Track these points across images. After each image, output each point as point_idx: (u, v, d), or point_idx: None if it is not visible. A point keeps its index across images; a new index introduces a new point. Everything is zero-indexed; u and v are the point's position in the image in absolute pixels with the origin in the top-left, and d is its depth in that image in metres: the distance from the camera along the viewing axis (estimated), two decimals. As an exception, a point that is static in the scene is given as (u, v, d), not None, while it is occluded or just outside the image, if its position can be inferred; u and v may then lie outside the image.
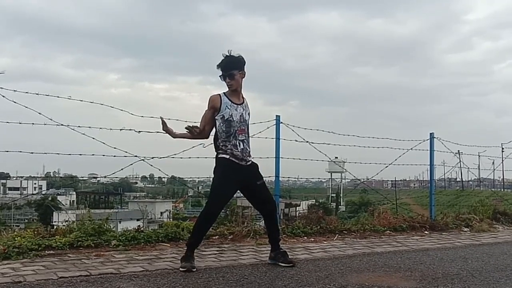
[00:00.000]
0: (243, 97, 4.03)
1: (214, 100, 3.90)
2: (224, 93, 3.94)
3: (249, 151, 3.98)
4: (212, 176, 3.95)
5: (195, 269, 3.68)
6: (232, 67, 3.88)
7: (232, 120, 3.86)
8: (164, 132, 4.02)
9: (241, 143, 3.89)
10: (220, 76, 3.91)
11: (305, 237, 5.64)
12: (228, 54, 3.89)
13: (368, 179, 8.76)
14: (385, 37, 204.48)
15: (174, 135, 4.01)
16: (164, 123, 3.97)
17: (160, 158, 5.26)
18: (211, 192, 3.91)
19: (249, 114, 4.04)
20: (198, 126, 3.91)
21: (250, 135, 4.09)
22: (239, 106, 3.93)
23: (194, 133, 3.86)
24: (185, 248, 3.90)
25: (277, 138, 6.02)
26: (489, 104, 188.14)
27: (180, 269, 3.66)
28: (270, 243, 4.17)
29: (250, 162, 3.98)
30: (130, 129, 5.06)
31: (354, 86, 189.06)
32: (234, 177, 3.86)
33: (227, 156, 3.86)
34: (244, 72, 3.96)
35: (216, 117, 3.89)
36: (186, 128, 3.87)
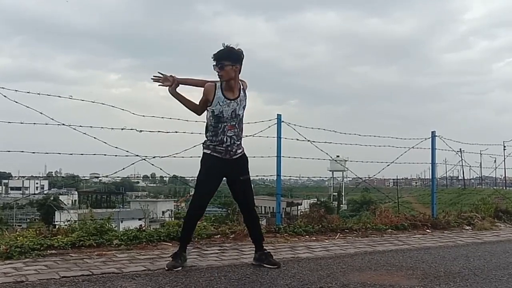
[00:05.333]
0: (239, 89, 3.85)
1: (208, 92, 3.79)
2: (220, 85, 3.80)
3: (237, 145, 3.87)
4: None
5: (178, 269, 3.61)
6: (223, 58, 3.73)
7: (222, 116, 3.78)
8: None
9: (228, 139, 3.80)
10: (213, 65, 3.78)
11: (307, 236, 5.63)
12: (227, 45, 3.77)
13: (369, 177, 8.78)
14: (383, 36, 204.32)
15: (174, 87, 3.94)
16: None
17: (162, 157, 5.27)
18: (196, 186, 3.91)
19: (244, 107, 3.88)
20: (172, 76, 3.87)
21: (244, 132, 3.97)
22: (232, 101, 3.79)
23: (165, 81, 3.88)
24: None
25: (279, 137, 6.02)
26: (489, 103, 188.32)
27: (165, 267, 3.62)
28: (252, 242, 4.08)
29: (238, 156, 3.90)
30: (131, 129, 5.07)
31: (354, 85, 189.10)
32: (217, 171, 3.85)
33: (209, 152, 3.85)
34: (238, 66, 3.77)
35: (207, 108, 3.84)
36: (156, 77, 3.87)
